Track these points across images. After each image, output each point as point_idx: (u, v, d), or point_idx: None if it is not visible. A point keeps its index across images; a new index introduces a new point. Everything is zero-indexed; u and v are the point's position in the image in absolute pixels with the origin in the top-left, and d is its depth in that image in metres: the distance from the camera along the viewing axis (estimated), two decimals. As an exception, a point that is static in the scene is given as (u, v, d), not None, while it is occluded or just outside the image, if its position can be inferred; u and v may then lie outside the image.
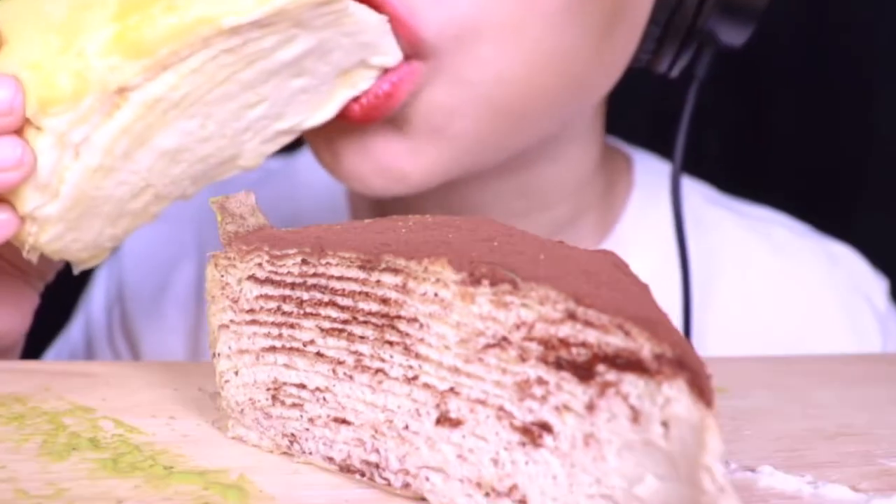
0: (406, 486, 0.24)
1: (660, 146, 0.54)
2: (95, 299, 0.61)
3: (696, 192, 0.55)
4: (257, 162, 0.37)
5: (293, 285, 0.26)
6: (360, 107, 0.37)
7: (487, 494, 0.23)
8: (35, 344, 0.63)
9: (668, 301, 0.48)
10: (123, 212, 0.34)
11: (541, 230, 0.47)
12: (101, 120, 0.31)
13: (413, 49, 0.36)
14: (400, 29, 0.35)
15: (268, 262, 0.26)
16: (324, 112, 0.37)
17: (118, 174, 0.32)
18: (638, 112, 0.53)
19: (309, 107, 0.36)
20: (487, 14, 0.36)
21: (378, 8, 0.34)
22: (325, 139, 0.40)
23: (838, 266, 0.55)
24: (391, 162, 0.39)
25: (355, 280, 0.24)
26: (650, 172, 0.54)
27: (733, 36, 0.42)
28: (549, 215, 0.48)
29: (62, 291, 0.63)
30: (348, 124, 0.38)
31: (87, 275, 0.63)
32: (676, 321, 0.46)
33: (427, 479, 0.24)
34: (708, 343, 0.50)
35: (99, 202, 0.33)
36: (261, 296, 0.26)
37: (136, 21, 0.30)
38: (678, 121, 0.45)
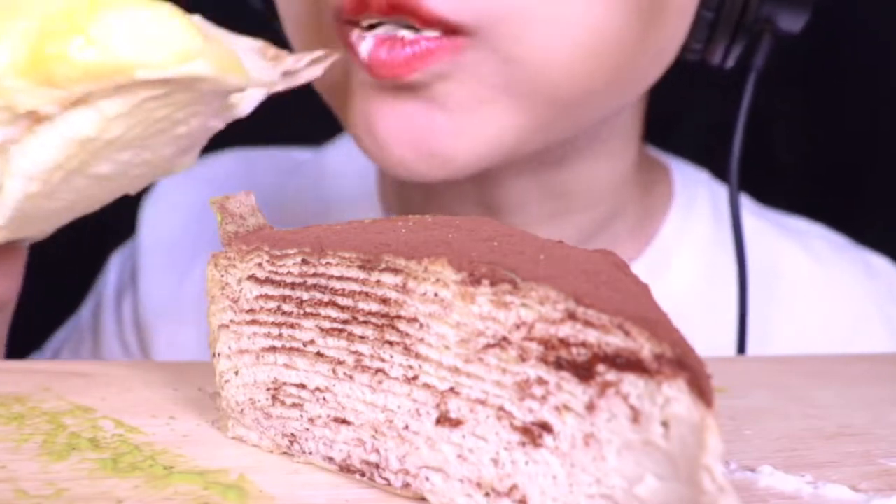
0: (406, 486, 0.24)
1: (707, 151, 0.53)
2: (108, 284, 0.60)
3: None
4: (191, 164, 0.36)
5: (293, 285, 0.26)
6: (385, 60, 0.35)
7: (487, 494, 0.23)
8: (42, 335, 0.62)
9: (716, 311, 0.48)
10: (67, 211, 0.34)
11: (574, 233, 0.47)
12: (19, 134, 0.29)
13: (456, 27, 0.35)
14: (441, 6, 0.34)
15: (268, 262, 0.26)
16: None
17: (57, 195, 0.32)
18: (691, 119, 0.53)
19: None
20: None
21: None
22: (364, 124, 0.39)
23: (878, 278, 0.55)
24: (434, 144, 0.37)
25: (355, 280, 0.24)
26: (689, 181, 0.54)
27: (791, 22, 0.41)
28: (581, 217, 0.48)
29: (71, 282, 0.63)
30: (388, 107, 0.37)
31: (95, 267, 0.62)
32: (731, 330, 0.46)
33: (427, 479, 0.24)
34: (760, 351, 0.50)
35: (40, 213, 0.32)
36: (261, 296, 0.26)
37: (52, 54, 0.28)
38: (734, 117, 0.44)
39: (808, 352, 0.50)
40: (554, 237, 0.47)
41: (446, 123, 0.37)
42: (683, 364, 0.19)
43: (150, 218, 0.59)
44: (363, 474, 0.25)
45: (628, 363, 0.20)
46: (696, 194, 0.54)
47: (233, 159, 0.61)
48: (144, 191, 0.59)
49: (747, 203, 0.57)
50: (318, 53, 0.34)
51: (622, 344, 0.20)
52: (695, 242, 0.52)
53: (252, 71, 0.31)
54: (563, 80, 0.37)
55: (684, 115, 0.47)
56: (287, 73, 0.33)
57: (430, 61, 0.35)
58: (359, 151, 0.51)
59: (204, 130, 0.33)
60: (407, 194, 0.51)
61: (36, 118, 0.29)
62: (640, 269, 0.49)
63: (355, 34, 0.36)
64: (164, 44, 0.28)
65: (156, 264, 0.57)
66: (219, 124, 0.34)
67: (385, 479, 0.24)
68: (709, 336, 0.49)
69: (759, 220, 0.55)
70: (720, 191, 0.56)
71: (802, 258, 0.54)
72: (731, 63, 0.42)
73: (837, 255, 0.55)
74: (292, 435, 0.26)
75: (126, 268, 0.59)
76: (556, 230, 0.46)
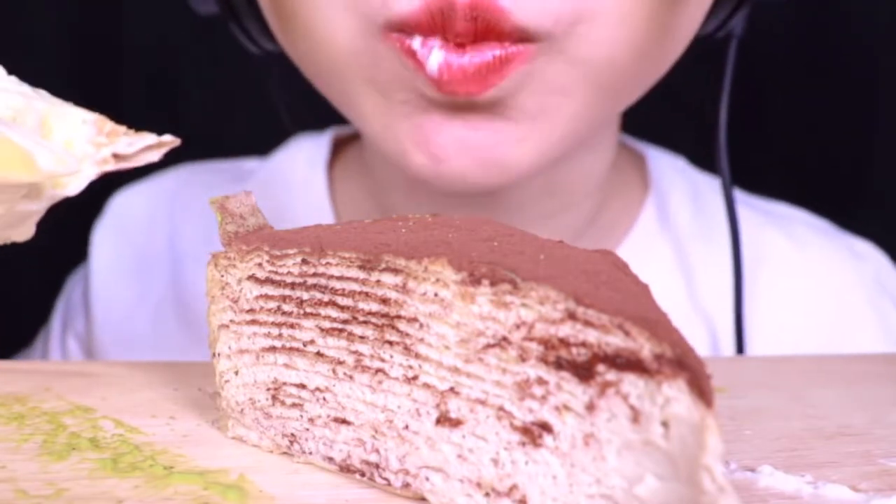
0: (406, 486, 0.24)
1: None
2: (55, 319, 0.59)
3: (713, 188, 0.54)
4: (29, 234, 0.35)
5: (293, 285, 0.26)
6: (456, 72, 0.34)
7: (487, 494, 0.23)
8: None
9: (695, 302, 0.48)
10: None
11: (566, 231, 0.47)
12: None
13: (527, 34, 0.34)
14: (521, 14, 0.33)
15: (268, 262, 0.26)
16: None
17: None
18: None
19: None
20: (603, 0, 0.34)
21: None
22: (419, 139, 0.37)
23: (864, 263, 0.54)
24: (499, 155, 0.36)
25: (355, 280, 0.24)
26: (665, 170, 0.54)
27: None
28: (573, 215, 0.48)
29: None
30: (444, 120, 0.35)
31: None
32: (711, 322, 0.46)
33: (427, 479, 0.24)
34: (747, 338, 0.50)
35: None
36: (261, 296, 0.26)
37: None
38: (718, 89, 0.44)
39: (795, 338, 0.50)
40: (547, 236, 0.48)
41: (512, 134, 0.36)
42: (683, 364, 0.19)
43: (101, 239, 0.57)
44: (363, 474, 0.25)
45: (628, 363, 0.20)
46: (674, 183, 0.53)
47: (183, 172, 0.60)
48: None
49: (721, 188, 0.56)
50: (154, 139, 0.31)
51: (622, 344, 0.20)
52: (672, 233, 0.51)
53: (81, 147, 0.30)
54: (621, 76, 0.37)
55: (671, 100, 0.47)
56: (118, 156, 0.32)
57: (505, 72, 0.34)
58: (304, 158, 0.50)
59: (20, 213, 0.32)
60: (373, 200, 0.50)
61: None
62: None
63: (418, 43, 0.34)
64: None
65: (108, 284, 0.56)
66: (38, 206, 0.32)
67: (385, 479, 0.24)
68: (687, 330, 0.49)
69: (742, 208, 0.54)
70: (698, 178, 0.55)
71: (785, 244, 0.53)
72: (722, 33, 0.42)
73: (820, 239, 0.55)
74: (292, 435, 0.26)
75: (74, 296, 0.58)
76: (550, 230, 0.46)
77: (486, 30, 0.33)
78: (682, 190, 0.53)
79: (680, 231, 0.52)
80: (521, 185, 0.44)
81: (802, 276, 0.52)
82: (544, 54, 0.35)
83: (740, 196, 0.56)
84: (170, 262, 0.56)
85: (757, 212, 0.55)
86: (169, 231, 0.56)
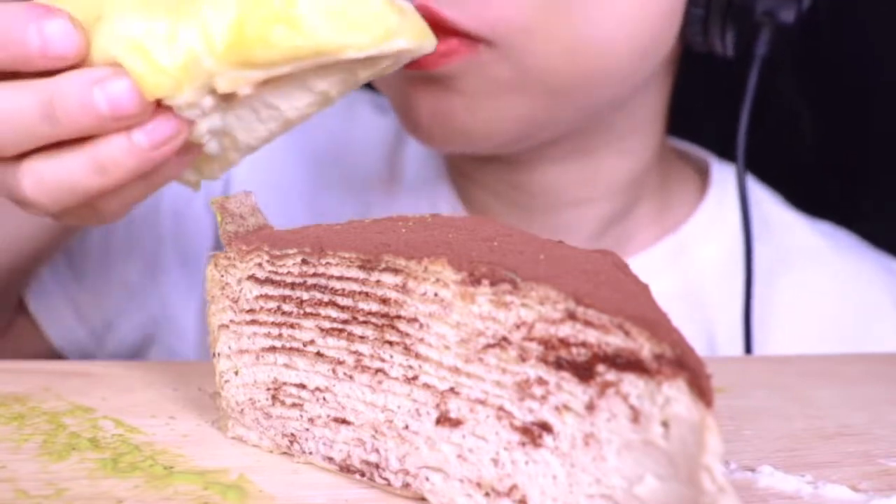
0: (406, 486, 0.24)
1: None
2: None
3: (768, 197, 0.58)
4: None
5: (293, 285, 0.26)
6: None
7: (487, 494, 0.23)
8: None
9: (732, 296, 0.50)
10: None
11: (598, 220, 0.52)
12: (209, 110, 0.31)
13: (476, 37, 0.41)
14: (462, 22, 0.40)
15: (268, 262, 0.26)
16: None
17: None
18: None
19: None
20: (534, 13, 0.40)
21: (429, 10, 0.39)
22: (403, 107, 0.45)
23: None
24: (454, 121, 0.44)
25: (355, 280, 0.24)
26: (726, 177, 0.57)
27: (784, 13, 0.45)
28: (603, 206, 0.52)
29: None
30: (419, 94, 0.43)
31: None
32: (738, 314, 0.49)
33: (427, 479, 0.24)
34: (774, 336, 0.52)
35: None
36: (261, 296, 0.26)
37: (252, 38, 0.29)
38: (740, 102, 0.47)
39: (825, 337, 0.52)
40: (577, 222, 0.50)
41: (463, 105, 0.43)
42: (683, 364, 0.19)
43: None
44: (363, 474, 0.25)
45: (628, 363, 0.20)
46: (732, 190, 0.56)
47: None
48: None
49: (778, 200, 0.59)
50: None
51: (622, 344, 0.20)
52: (724, 233, 0.54)
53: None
54: (565, 79, 0.43)
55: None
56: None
57: (453, 59, 0.41)
58: None
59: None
60: (459, 163, 0.56)
61: (227, 97, 0.30)
62: (660, 252, 0.54)
63: None
64: (366, 26, 0.29)
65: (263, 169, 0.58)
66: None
67: (385, 479, 0.24)
68: (728, 320, 0.51)
69: (789, 214, 0.58)
70: (756, 189, 0.59)
71: (825, 245, 0.57)
72: (730, 52, 0.46)
73: (860, 252, 0.58)
74: (292, 435, 0.26)
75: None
76: (580, 214, 0.51)
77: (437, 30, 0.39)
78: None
79: (729, 234, 0.54)
80: (555, 169, 0.50)
81: (839, 279, 0.56)
82: (490, 53, 0.41)
83: (790, 208, 0.60)
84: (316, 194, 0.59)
85: (804, 221, 0.58)
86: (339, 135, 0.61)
